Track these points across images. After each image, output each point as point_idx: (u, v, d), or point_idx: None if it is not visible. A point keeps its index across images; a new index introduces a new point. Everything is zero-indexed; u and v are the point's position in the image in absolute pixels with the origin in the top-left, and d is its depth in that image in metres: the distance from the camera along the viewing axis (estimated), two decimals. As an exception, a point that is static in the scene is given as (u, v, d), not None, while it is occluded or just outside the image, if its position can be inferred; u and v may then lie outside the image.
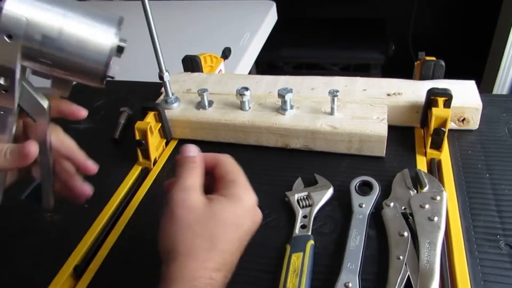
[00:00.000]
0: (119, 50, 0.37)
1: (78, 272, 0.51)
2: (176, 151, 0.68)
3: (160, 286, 0.36)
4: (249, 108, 0.66)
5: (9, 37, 0.33)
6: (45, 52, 0.34)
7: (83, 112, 0.44)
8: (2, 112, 0.37)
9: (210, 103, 0.68)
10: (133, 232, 0.55)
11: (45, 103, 0.39)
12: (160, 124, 0.67)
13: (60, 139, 0.44)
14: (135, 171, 0.65)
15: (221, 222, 0.39)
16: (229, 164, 0.44)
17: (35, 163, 0.42)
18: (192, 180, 0.41)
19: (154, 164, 0.66)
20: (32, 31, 0.33)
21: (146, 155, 0.65)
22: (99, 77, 0.38)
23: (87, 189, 0.46)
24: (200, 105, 0.68)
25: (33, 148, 0.39)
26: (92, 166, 0.46)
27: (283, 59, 1.97)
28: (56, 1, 0.35)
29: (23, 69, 0.36)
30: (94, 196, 0.61)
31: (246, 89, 0.64)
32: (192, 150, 0.44)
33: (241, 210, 0.41)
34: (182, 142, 0.70)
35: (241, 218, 0.41)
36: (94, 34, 0.36)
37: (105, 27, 0.36)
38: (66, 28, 0.35)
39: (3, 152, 0.38)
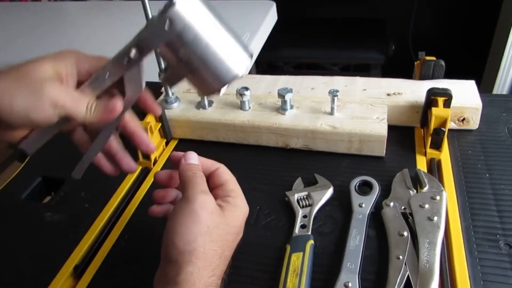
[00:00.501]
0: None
1: (78, 272, 0.51)
2: (176, 151, 0.68)
3: (171, 285, 0.36)
4: (249, 108, 0.66)
5: (169, 26, 0.36)
6: (186, 51, 0.37)
7: (158, 110, 0.46)
8: (107, 74, 0.39)
9: (210, 103, 0.68)
10: (133, 232, 0.55)
11: (143, 86, 0.41)
12: (160, 124, 0.67)
13: (131, 116, 0.45)
14: (135, 171, 0.65)
15: (230, 230, 0.41)
16: (227, 172, 0.45)
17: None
18: (203, 183, 0.42)
19: (154, 164, 0.66)
20: (188, 32, 0.36)
21: (146, 155, 0.65)
22: (211, 91, 0.41)
23: (133, 166, 0.48)
24: (200, 105, 0.68)
25: (119, 104, 0.40)
26: (153, 146, 0.48)
27: (283, 59, 1.97)
28: (214, 12, 0.38)
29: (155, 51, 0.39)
30: (94, 196, 0.61)
31: (246, 89, 0.64)
32: (194, 158, 0.45)
33: (242, 219, 0.43)
34: (182, 142, 0.70)
35: (241, 227, 0.43)
36: (231, 57, 0.38)
37: (241, 56, 0.39)
38: (212, 40, 0.37)
39: (89, 105, 0.39)
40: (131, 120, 0.45)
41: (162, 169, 0.65)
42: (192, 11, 0.36)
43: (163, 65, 0.63)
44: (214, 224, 0.39)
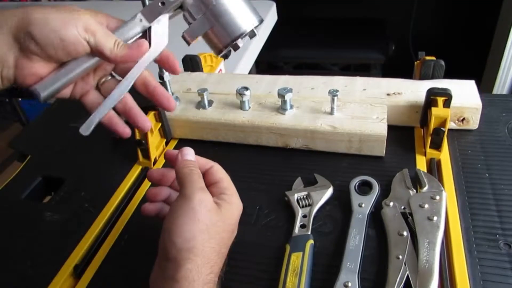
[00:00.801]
0: (251, 35, 0.47)
1: (78, 272, 0.51)
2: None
3: (168, 283, 0.36)
4: (249, 108, 0.66)
5: None
6: (208, 2, 0.44)
7: (179, 69, 0.47)
8: (138, 20, 0.43)
9: (210, 102, 0.68)
10: (133, 232, 0.55)
11: (166, 40, 0.45)
12: (160, 124, 0.67)
13: (150, 75, 0.46)
14: (135, 171, 0.65)
15: (227, 227, 0.41)
16: (221, 171, 0.45)
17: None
18: (201, 181, 0.42)
19: (154, 163, 0.66)
20: None
21: (146, 155, 0.65)
22: (220, 46, 0.47)
23: (149, 123, 0.47)
24: (200, 105, 0.68)
25: (145, 45, 0.42)
26: (149, 123, 0.47)
27: (283, 59, 1.97)
28: None
29: (184, 2, 0.44)
30: (94, 196, 0.62)
31: (246, 88, 0.64)
32: (191, 154, 0.45)
33: (237, 216, 0.43)
34: (182, 141, 0.70)
35: (236, 224, 0.43)
36: (242, 16, 0.46)
37: (251, 17, 0.46)
38: (232, 1, 0.45)
39: (117, 43, 0.40)
40: (128, 97, 0.45)
41: (162, 169, 0.65)
42: None
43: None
44: (212, 222, 0.39)
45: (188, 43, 0.47)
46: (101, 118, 0.44)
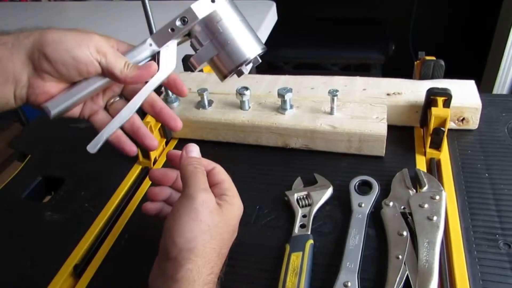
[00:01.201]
0: (255, 61, 0.50)
1: (78, 272, 0.51)
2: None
3: (168, 282, 0.36)
4: (249, 107, 0.66)
5: (212, 1, 0.46)
6: (220, 26, 0.47)
7: (186, 92, 0.49)
8: (151, 43, 0.45)
9: (210, 102, 0.68)
10: (133, 231, 0.55)
11: (174, 64, 0.47)
12: (160, 124, 0.67)
13: (157, 96, 0.47)
14: (135, 171, 0.65)
15: (228, 228, 0.41)
16: (222, 172, 0.45)
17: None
18: (204, 180, 0.42)
19: (154, 163, 0.66)
20: (226, 8, 0.47)
21: (146, 155, 0.65)
22: (225, 72, 0.49)
23: (156, 142, 0.48)
24: (200, 105, 0.68)
25: (154, 67, 0.44)
26: (156, 142, 0.49)
27: (283, 59, 1.97)
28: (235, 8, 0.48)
29: (192, 30, 0.46)
30: (94, 196, 0.62)
31: (246, 88, 0.64)
32: (195, 151, 0.45)
33: (238, 217, 0.43)
34: (182, 141, 0.70)
35: (236, 225, 0.43)
36: (247, 43, 0.48)
37: (255, 45, 0.48)
38: (241, 22, 0.48)
39: (127, 64, 0.42)
40: (136, 117, 0.47)
41: (162, 168, 0.65)
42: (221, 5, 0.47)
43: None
44: (214, 223, 0.39)
45: (194, 68, 0.49)
46: (109, 136, 0.45)
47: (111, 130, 0.45)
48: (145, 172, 0.65)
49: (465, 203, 0.52)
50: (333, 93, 0.60)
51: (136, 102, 0.45)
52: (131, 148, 0.47)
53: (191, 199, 0.39)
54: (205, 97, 0.67)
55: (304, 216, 0.52)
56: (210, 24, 0.47)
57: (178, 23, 0.46)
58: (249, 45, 0.49)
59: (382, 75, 1.78)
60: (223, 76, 0.50)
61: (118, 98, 0.47)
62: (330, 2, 2.02)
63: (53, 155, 0.72)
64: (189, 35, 0.47)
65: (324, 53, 1.89)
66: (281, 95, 0.62)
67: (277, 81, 0.72)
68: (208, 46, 0.48)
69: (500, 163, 0.57)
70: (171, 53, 0.47)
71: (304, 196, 0.54)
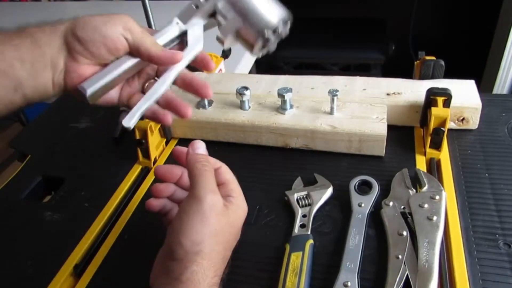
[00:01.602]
0: (285, 22, 0.50)
1: (78, 271, 0.51)
2: (176, 150, 0.68)
3: (172, 283, 0.36)
4: (249, 107, 0.66)
5: None
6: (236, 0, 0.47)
7: (212, 66, 0.49)
8: (177, 22, 0.46)
9: (210, 102, 0.68)
10: (133, 231, 0.55)
11: (202, 42, 0.47)
12: (159, 124, 0.67)
13: (185, 69, 0.47)
14: (135, 170, 0.65)
15: (233, 230, 0.41)
16: (228, 172, 0.45)
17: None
18: (213, 180, 0.41)
19: (154, 163, 0.66)
20: None
21: (146, 155, 0.65)
22: (251, 42, 0.49)
23: (190, 110, 0.47)
24: (200, 105, 0.68)
25: (180, 55, 0.44)
26: (211, 91, 0.48)
27: (283, 59, 1.97)
28: None
29: (216, 7, 0.47)
30: (94, 196, 0.62)
31: (246, 88, 0.64)
32: (202, 148, 0.44)
33: (243, 219, 0.43)
34: (182, 141, 0.70)
35: (240, 227, 0.43)
36: (269, 11, 0.49)
37: (277, 12, 0.49)
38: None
39: (153, 42, 0.43)
40: (169, 91, 0.47)
41: (162, 168, 0.65)
42: None
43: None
44: (220, 226, 0.39)
45: (222, 44, 0.50)
46: (144, 111, 0.45)
47: (146, 104, 0.45)
48: (145, 172, 0.65)
49: (465, 203, 0.52)
50: (333, 93, 0.60)
51: (170, 76, 0.45)
52: (167, 118, 0.47)
53: (199, 201, 0.39)
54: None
55: (304, 216, 0.52)
56: None
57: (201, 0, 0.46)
58: (271, 12, 0.49)
59: (382, 75, 1.78)
60: (250, 48, 0.50)
61: (153, 81, 0.47)
62: (330, 2, 2.02)
63: (53, 155, 0.72)
64: (214, 15, 0.48)
65: (324, 53, 1.89)
66: (281, 95, 0.62)
67: (277, 81, 0.72)
68: (231, 18, 0.48)
69: (500, 163, 0.57)
70: (198, 32, 0.47)
71: (304, 196, 0.54)
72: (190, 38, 0.47)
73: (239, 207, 0.43)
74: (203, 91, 0.47)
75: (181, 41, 0.47)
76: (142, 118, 0.46)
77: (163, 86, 0.45)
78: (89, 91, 0.42)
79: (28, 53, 0.38)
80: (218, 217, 0.39)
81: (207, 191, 0.39)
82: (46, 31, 0.39)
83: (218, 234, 0.39)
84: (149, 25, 0.59)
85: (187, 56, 0.46)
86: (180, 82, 0.47)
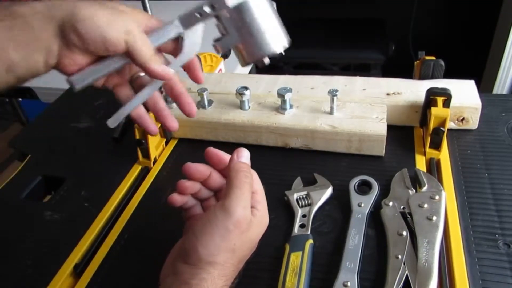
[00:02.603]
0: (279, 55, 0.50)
1: (78, 271, 0.51)
2: (176, 150, 0.68)
3: (181, 286, 0.36)
4: (249, 107, 0.66)
5: None
6: (249, 17, 0.47)
7: (202, 79, 0.49)
8: (174, 26, 0.45)
9: (210, 102, 0.68)
10: (133, 231, 0.55)
11: (198, 47, 0.47)
12: (160, 123, 0.67)
13: (179, 79, 0.48)
14: (135, 170, 0.65)
15: (251, 246, 0.41)
16: (257, 182, 0.44)
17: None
18: (249, 195, 0.40)
19: (154, 163, 0.66)
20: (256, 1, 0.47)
21: (146, 154, 0.65)
22: (248, 60, 0.50)
23: (176, 124, 0.49)
24: (199, 105, 0.68)
25: (170, 75, 0.44)
26: (195, 110, 0.49)
27: (283, 59, 1.97)
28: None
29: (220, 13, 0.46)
30: (94, 195, 0.62)
31: (246, 88, 0.64)
32: (246, 156, 0.44)
33: (261, 234, 0.42)
34: (182, 141, 0.70)
35: (258, 241, 0.42)
36: (272, 38, 0.49)
37: (280, 40, 0.50)
38: (270, 15, 0.49)
39: (151, 54, 0.42)
40: (179, 82, 0.47)
41: (162, 168, 0.65)
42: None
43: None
44: (240, 242, 0.38)
45: (218, 53, 0.50)
46: (129, 112, 0.46)
47: (132, 106, 0.46)
48: (144, 172, 0.65)
49: (464, 203, 0.52)
50: (333, 93, 0.60)
51: (158, 82, 0.46)
52: (153, 128, 0.48)
53: (227, 215, 0.38)
54: (205, 97, 0.67)
55: (303, 216, 0.52)
56: (239, 13, 0.47)
57: (206, 8, 0.46)
58: (275, 37, 0.49)
59: (382, 75, 1.78)
60: (244, 64, 0.50)
61: (143, 74, 0.47)
62: (330, 2, 2.02)
63: (53, 155, 0.72)
64: (217, 17, 0.47)
65: (324, 53, 1.89)
66: (281, 95, 0.62)
67: (277, 81, 0.72)
68: (233, 34, 0.48)
69: (499, 163, 0.57)
70: (196, 35, 0.47)
71: (304, 196, 0.54)
72: (186, 43, 0.46)
73: (261, 223, 0.42)
74: (186, 109, 0.48)
75: (176, 43, 0.46)
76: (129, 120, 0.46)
77: (152, 90, 0.46)
78: (78, 86, 0.43)
79: (21, 36, 0.37)
80: (241, 235, 0.38)
81: (239, 206, 0.38)
82: (38, 16, 0.38)
83: (236, 250, 0.38)
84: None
85: (179, 62, 0.46)
86: (169, 91, 0.47)
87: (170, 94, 0.48)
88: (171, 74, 0.44)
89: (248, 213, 0.39)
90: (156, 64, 0.43)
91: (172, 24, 0.45)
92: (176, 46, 0.46)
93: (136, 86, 0.47)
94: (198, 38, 0.47)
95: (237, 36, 0.48)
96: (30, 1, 0.39)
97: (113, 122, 0.46)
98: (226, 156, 0.45)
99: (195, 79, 0.48)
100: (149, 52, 0.42)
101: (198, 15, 0.46)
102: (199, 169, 0.45)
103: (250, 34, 0.48)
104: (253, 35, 0.48)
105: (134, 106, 0.46)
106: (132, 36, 0.41)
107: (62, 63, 0.41)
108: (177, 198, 0.45)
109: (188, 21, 0.46)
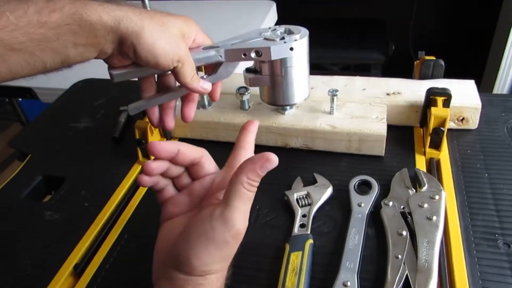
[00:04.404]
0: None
1: (78, 271, 0.51)
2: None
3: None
4: (249, 107, 0.66)
5: (291, 49, 0.53)
6: (283, 70, 0.55)
7: (216, 98, 0.55)
8: (221, 55, 0.50)
9: (210, 102, 0.68)
10: (133, 231, 0.55)
11: (230, 75, 0.53)
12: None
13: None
14: (135, 170, 0.65)
15: (239, 242, 0.39)
16: None
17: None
18: (250, 204, 0.37)
19: (154, 163, 0.66)
20: (294, 59, 0.55)
21: (146, 154, 0.65)
22: (269, 101, 0.61)
23: (172, 125, 0.53)
24: (199, 104, 0.68)
25: (208, 90, 0.50)
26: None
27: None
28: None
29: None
30: (94, 195, 0.62)
31: (246, 88, 0.64)
32: (273, 164, 0.39)
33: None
34: (182, 141, 0.70)
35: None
36: (298, 91, 0.58)
37: (302, 94, 0.59)
38: (302, 72, 0.56)
39: (194, 77, 0.48)
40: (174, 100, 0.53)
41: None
42: (304, 49, 0.55)
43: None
44: (234, 249, 0.37)
45: (248, 84, 0.58)
46: (149, 107, 0.51)
47: (155, 103, 0.51)
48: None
49: (464, 202, 0.52)
50: (333, 93, 0.60)
51: (183, 91, 0.51)
52: (156, 121, 0.53)
53: (226, 228, 0.35)
54: (205, 96, 0.67)
55: (303, 215, 0.52)
56: (278, 64, 0.54)
57: (253, 54, 0.51)
58: (301, 91, 0.57)
59: (382, 75, 1.78)
60: (265, 102, 0.58)
61: (169, 72, 0.49)
62: (330, 2, 2.02)
63: (53, 154, 0.72)
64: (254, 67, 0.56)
65: (324, 53, 1.89)
66: (281, 95, 0.62)
67: (277, 81, 0.72)
68: (265, 78, 0.55)
69: (499, 163, 0.57)
70: (232, 66, 0.52)
71: (304, 196, 0.54)
72: (221, 70, 0.52)
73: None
74: (187, 113, 0.53)
75: (213, 65, 0.51)
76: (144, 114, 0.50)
77: (177, 96, 0.51)
78: (116, 80, 0.46)
79: (84, 40, 0.40)
80: (236, 243, 0.37)
81: (240, 217, 0.35)
82: (106, 28, 0.40)
83: (231, 256, 0.37)
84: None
85: (209, 79, 0.51)
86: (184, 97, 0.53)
87: (183, 97, 0.52)
88: (209, 90, 0.50)
89: (247, 222, 0.37)
90: (196, 83, 0.48)
91: (216, 53, 0.50)
92: (211, 67, 0.52)
93: (160, 81, 0.51)
94: (233, 68, 0.53)
95: (267, 80, 0.55)
96: (100, 7, 0.40)
97: (134, 109, 0.50)
98: (171, 146, 0.42)
99: (212, 97, 0.54)
100: (191, 74, 0.47)
101: (242, 56, 0.51)
102: (166, 147, 0.42)
103: (280, 84, 0.55)
104: (282, 86, 0.55)
105: (159, 103, 0.51)
106: (181, 64, 0.45)
107: (110, 60, 0.44)
108: (145, 179, 0.42)
109: (232, 56, 0.51)
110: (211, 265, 0.36)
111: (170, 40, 0.44)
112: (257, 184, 0.37)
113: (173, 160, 0.43)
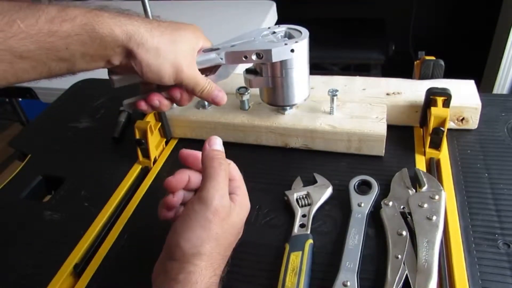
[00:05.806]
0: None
1: (78, 271, 0.51)
2: (176, 150, 0.68)
3: (170, 283, 0.36)
4: (249, 107, 0.66)
5: (292, 51, 0.53)
6: (285, 72, 0.55)
7: (223, 101, 0.53)
8: (222, 58, 0.51)
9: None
10: (133, 230, 0.55)
11: (229, 75, 0.54)
12: (160, 123, 0.67)
13: None
14: (135, 170, 0.65)
15: (235, 231, 0.41)
16: (235, 169, 0.45)
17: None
18: (225, 182, 0.40)
19: (154, 163, 0.66)
20: (294, 61, 0.54)
21: (146, 154, 0.65)
22: (268, 102, 0.61)
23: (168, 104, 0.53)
24: (199, 104, 0.68)
25: (219, 102, 0.52)
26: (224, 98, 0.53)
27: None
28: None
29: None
30: (94, 195, 0.62)
31: (246, 88, 0.64)
32: (219, 143, 0.44)
33: (245, 218, 0.43)
34: (181, 141, 0.70)
35: (242, 226, 0.43)
36: (297, 92, 0.58)
37: (301, 95, 0.59)
38: (303, 73, 0.57)
39: (202, 89, 0.50)
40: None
41: (162, 168, 0.65)
42: (304, 50, 0.54)
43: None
44: (222, 230, 0.39)
45: (248, 86, 0.59)
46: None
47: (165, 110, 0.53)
48: (145, 172, 0.65)
49: (464, 202, 0.52)
50: (332, 93, 0.60)
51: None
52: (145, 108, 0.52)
53: (205, 206, 0.38)
54: (205, 97, 0.66)
55: (303, 215, 0.52)
56: (278, 66, 0.54)
57: (253, 56, 0.51)
58: (298, 94, 0.57)
59: (382, 75, 1.78)
60: (265, 102, 0.59)
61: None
62: (330, 2, 2.02)
63: (53, 154, 0.72)
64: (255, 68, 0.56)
65: (324, 53, 1.89)
66: (281, 95, 0.62)
67: (277, 81, 0.72)
68: (266, 79, 0.55)
69: (499, 163, 0.57)
70: (231, 67, 0.53)
71: (304, 196, 0.54)
72: (221, 71, 0.52)
73: (242, 207, 0.42)
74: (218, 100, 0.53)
75: (213, 66, 0.52)
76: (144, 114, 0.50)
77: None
78: (117, 86, 0.47)
79: (92, 51, 0.41)
80: (222, 222, 0.39)
81: (216, 195, 0.38)
82: (117, 42, 0.41)
83: (219, 237, 0.38)
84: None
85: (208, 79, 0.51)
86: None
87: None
88: (223, 103, 0.52)
89: (226, 200, 0.39)
90: (206, 95, 0.50)
91: (217, 56, 0.51)
92: (211, 68, 0.52)
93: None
94: (232, 69, 0.53)
95: (268, 82, 0.56)
96: (111, 20, 0.41)
97: (129, 106, 0.51)
98: (200, 154, 0.44)
99: (214, 101, 0.54)
100: (199, 89, 0.49)
101: (243, 58, 0.51)
102: (179, 179, 0.44)
103: (280, 85, 0.55)
104: (282, 87, 0.56)
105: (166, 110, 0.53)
106: (186, 82, 0.47)
107: (114, 69, 0.46)
108: (170, 215, 0.44)
109: (232, 58, 0.51)
110: (199, 246, 0.37)
111: (176, 62, 0.45)
112: (222, 160, 0.41)
113: (186, 188, 0.45)
